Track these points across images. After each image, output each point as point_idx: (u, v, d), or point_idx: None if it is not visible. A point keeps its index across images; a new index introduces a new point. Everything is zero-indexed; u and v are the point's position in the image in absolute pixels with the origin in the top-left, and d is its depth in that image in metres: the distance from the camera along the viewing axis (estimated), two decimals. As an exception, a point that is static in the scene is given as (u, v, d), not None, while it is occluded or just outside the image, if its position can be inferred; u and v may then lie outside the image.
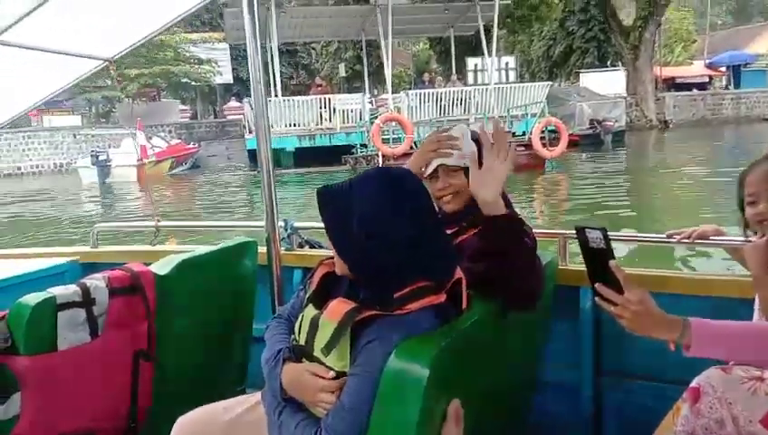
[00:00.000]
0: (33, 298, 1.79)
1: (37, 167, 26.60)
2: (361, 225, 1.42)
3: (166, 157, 23.55)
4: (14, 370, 1.75)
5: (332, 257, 1.54)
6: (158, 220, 3.11)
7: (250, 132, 20.88)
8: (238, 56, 32.42)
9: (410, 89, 22.34)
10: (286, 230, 2.76)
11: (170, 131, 28.19)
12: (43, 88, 3.22)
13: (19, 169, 26.39)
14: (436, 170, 1.80)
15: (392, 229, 1.42)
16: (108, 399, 1.95)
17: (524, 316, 1.67)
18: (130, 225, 3.94)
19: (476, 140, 1.78)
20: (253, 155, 21.15)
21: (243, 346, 2.48)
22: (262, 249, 2.46)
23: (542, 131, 15.19)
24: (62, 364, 1.83)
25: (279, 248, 2.42)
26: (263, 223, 2.39)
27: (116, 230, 3.93)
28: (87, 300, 1.87)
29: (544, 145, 15.13)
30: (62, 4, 2.38)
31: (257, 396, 1.72)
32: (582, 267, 1.47)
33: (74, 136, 27.35)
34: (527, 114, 17.86)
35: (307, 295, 1.59)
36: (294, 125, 20.49)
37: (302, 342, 1.52)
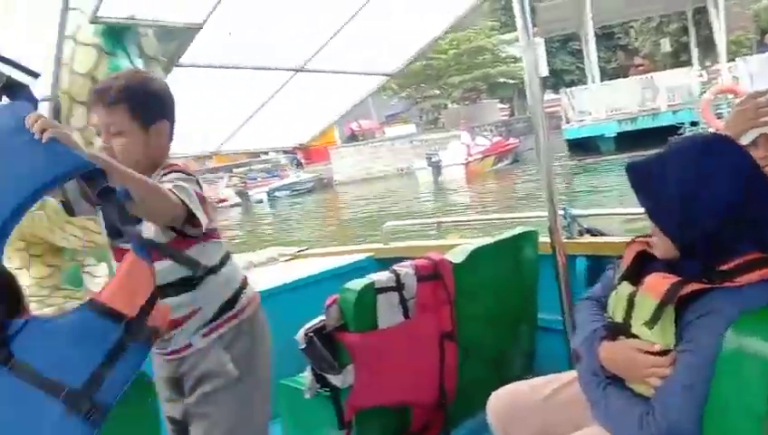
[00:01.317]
0: (358, 283, 2.10)
1: (383, 171, 30.31)
2: (679, 186, 1.39)
3: (488, 154, 25.08)
4: (347, 345, 2.06)
5: (644, 236, 1.54)
6: (440, 217, 3.36)
7: (567, 122, 20.60)
8: (552, 48, 32.30)
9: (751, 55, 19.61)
10: (565, 219, 2.73)
11: (491, 130, 29.75)
12: (338, 106, 3.73)
13: (369, 174, 30.31)
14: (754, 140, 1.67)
15: (712, 191, 1.36)
16: (420, 375, 2.19)
17: None
18: (415, 222, 4.28)
19: None
20: (571, 144, 20.90)
21: (530, 334, 2.54)
22: (541, 238, 2.50)
23: None
24: (383, 341, 2.10)
25: (561, 237, 2.43)
26: (539, 213, 2.42)
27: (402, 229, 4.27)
28: (399, 285, 2.13)
29: None
30: (348, 32, 2.74)
31: (569, 375, 1.77)
32: None
33: (410, 142, 30.60)
34: None
35: (619, 274, 1.59)
36: (614, 110, 19.51)
37: (617, 319, 1.52)
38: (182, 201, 1.52)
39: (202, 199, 1.61)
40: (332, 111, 3.97)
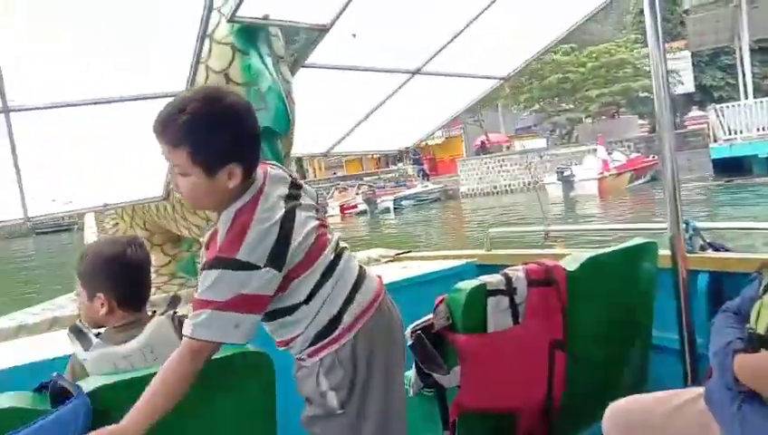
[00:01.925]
0: (468, 284, 2.08)
1: (509, 185, 30.44)
2: None
3: (625, 170, 24.09)
4: (455, 345, 2.04)
5: None
6: (548, 225, 3.24)
7: (715, 141, 19.29)
8: (700, 63, 30.48)
9: None
10: (687, 232, 2.56)
11: (629, 146, 28.63)
12: (447, 110, 3.71)
13: (495, 187, 30.62)
14: None
15: None
16: (527, 382, 2.14)
17: None
18: (521, 230, 4.17)
19: None
20: (718, 164, 19.56)
21: (642, 351, 2.41)
22: (662, 252, 2.36)
23: None
24: (491, 345, 2.07)
25: (684, 251, 2.29)
26: (657, 225, 2.29)
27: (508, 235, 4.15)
28: (510, 289, 2.10)
29: None
30: (466, 35, 2.73)
31: (693, 391, 1.69)
32: None
33: (540, 156, 30.24)
34: None
35: (763, 283, 1.51)
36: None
37: (761, 331, 1.44)
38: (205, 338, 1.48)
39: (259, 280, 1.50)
40: (440, 115, 3.99)
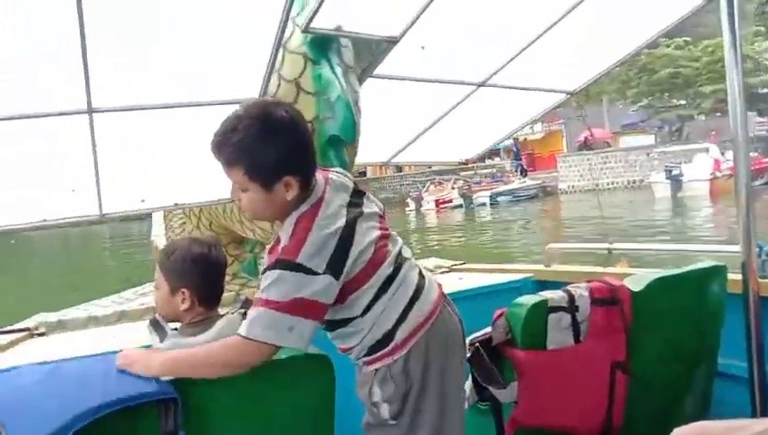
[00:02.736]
0: (529, 299, 2.07)
1: (612, 183, 29.74)
2: None
3: None
4: (514, 361, 2.04)
5: None
6: (612, 242, 3.16)
7: None
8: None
9: None
10: (760, 256, 2.45)
11: (746, 146, 26.90)
12: (509, 123, 3.68)
13: (597, 185, 30.11)
14: None
15: None
16: (587, 402, 2.11)
17: None
18: (582, 246, 4.07)
19: None
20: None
21: (707, 377, 2.33)
22: (731, 276, 2.28)
23: None
24: (550, 362, 2.06)
25: (756, 276, 2.21)
26: (730, 248, 2.21)
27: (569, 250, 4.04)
28: (572, 306, 2.07)
29: None
30: (532, 48, 2.71)
31: (766, 422, 1.62)
32: None
33: (647, 154, 29.66)
34: None
35: None
36: None
37: None
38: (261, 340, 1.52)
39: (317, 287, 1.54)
40: (503, 127, 3.95)
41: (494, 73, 3.09)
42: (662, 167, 24.97)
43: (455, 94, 3.31)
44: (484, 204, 30.45)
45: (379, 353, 1.68)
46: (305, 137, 1.66)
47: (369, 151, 3.50)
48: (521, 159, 38.45)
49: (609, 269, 3.12)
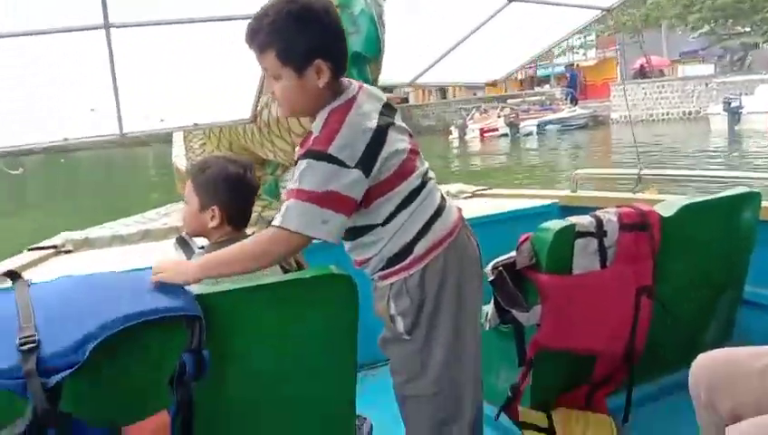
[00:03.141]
0: (556, 224, 2.04)
1: (667, 114, 28.94)
2: None
3: None
4: (537, 284, 2.03)
5: None
6: (641, 168, 3.08)
7: None
8: None
9: None
10: None
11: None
12: (540, 42, 3.53)
13: (651, 115, 29.00)
14: None
15: None
16: (610, 326, 2.11)
17: None
18: (611, 171, 3.99)
19: None
20: None
21: (732, 304, 2.32)
22: (764, 203, 2.24)
23: None
24: (575, 287, 2.05)
25: None
26: (763, 174, 2.13)
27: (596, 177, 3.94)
28: (600, 232, 2.04)
29: None
30: None
31: None
32: None
33: (705, 84, 28.37)
34: None
35: None
36: None
37: None
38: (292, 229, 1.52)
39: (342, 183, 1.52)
40: (533, 47, 3.80)
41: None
42: (721, 98, 23.54)
43: (483, 11, 3.17)
44: (530, 133, 29.18)
45: (396, 267, 1.67)
46: (336, 23, 1.63)
47: (392, 71, 3.40)
48: (576, 86, 36.43)
49: (639, 195, 3.06)
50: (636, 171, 3.19)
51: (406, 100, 40.17)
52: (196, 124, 3.12)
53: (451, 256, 1.70)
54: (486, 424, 1.89)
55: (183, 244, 1.84)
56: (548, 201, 3.39)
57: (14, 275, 1.46)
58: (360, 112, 1.60)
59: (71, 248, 3.30)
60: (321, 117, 1.60)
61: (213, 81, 2.95)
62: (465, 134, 32.11)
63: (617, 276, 2.07)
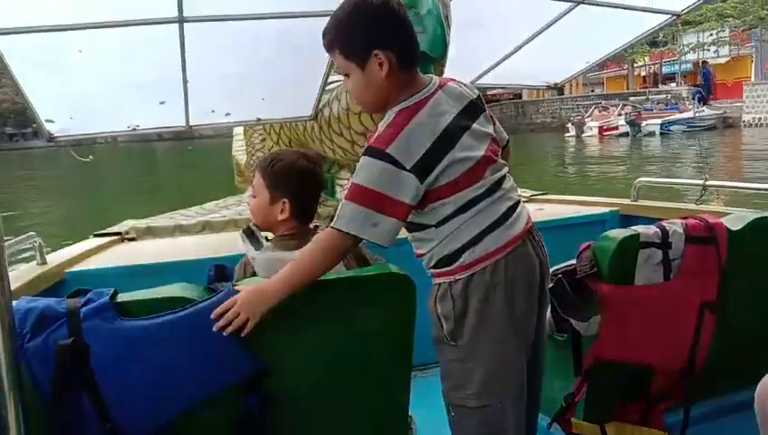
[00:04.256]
0: (620, 233, 2.00)
1: None
2: None
3: None
4: (597, 294, 1.98)
5: None
6: (707, 178, 2.96)
7: None
8: None
9: None
10: None
11: None
12: (605, 46, 3.44)
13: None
14: None
15: None
16: (671, 340, 2.05)
17: None
18: (673, 181, 3.84)
19: None
20: None
21: None
22: None
23: None
24: (638, 298, 2.00)
25: None
26: None
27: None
28: (665, 243, 1.98)
29: None
30: None
31: None
32: None
33: None
34: None
35: None
36: None
37: None
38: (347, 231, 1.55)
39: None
40: (597, 51, 3.72)
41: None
42: None
43: (549, 12, 3.12)
44: (652, 133, 27.23)
45: (443, 269, 1.67)
46: (397, 14, 1.63)
47: (453, 70, 3.38)
48: (709, 85, 33.57)
49: (703, 207, 2.96)
50: (701, 181, 3.08)
51: (519, 95, 39.17)
52: (259, 119, 3.18)
53: (502, 271, 1.65)
54: (538, 433, 1.87)
55: (250, 235, 1.85)
56: (606, 209, 3.32)
57: None
58: (430, 114, 1.60)
59: (134, 236, 3.41)
60: (389, 115, 1.62)
61: (278, 76, 2.99)
62: (582, 132, 30.64)
63: (681, 290, 2.02)
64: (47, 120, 2.80)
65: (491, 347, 1.66)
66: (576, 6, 3.04)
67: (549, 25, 3.19)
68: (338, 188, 4.20)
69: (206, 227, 3.53)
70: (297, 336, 1.57)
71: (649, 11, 3.17)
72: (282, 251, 1.76)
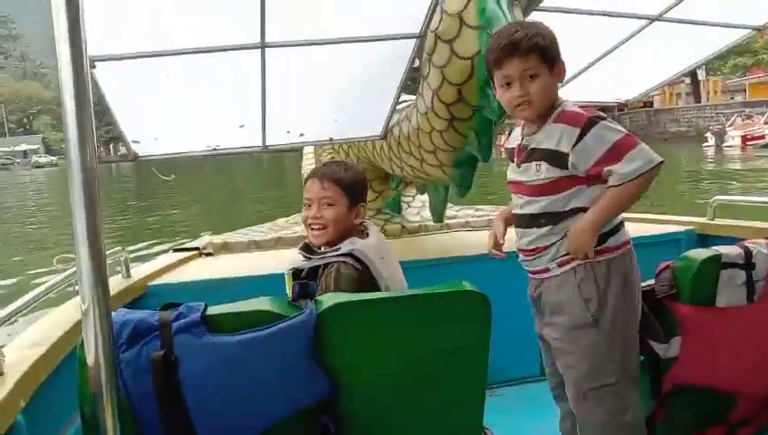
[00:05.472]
0: (700, 253, 1.97)
1: None
2: None
3: None
4: (676, 315, 1.96)
5: None
6: None
7: None
8: None
9: None
10: None
11: None
12: (680, 62, 3.37)
13: None
14: None
15: None
16: (753, 365, 2.00)
17: None
18: (751, 199, 3.67)
19: None
20: None
21: None
22: None
23: None
24: (719, 320, 1.96)
25: None
26: None
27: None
28: (748, 263, 1.94)
29: None
30: None
31: None
32: None
33: None
34: None
35: None
36: None
37: None
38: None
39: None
40: (672, 67, 3.64)
41: (673, 6, 2.83)
42: None
43: (623, 29, 3.09)
44: None
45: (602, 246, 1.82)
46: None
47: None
48: None
49: None
50: None
51: (650, 103, 38.17)
52: (331, 139, 3.26)
53: (630, 261, 1.88)
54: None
55: (308, 250, 1.98)
56: (682, 228, 3.24)
57: None
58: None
59: (211, 251, 3.54)
60: (559, 112, 1.83)
61: (349, 97, 3.07)
62: (722, 141, 29.21)
63: (764, 313, 1.96)
64: (133, 141, 2.95)
65: (628, 327, 1.87)
66: (651, 23, 3.00)
67: (622, 42, 3.15)
68: (404, 205, 4.25)
69: (279, 243, 3.63)
70: (371, 353, 1.58)
71: (727, 26, 3.09)
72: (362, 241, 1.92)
